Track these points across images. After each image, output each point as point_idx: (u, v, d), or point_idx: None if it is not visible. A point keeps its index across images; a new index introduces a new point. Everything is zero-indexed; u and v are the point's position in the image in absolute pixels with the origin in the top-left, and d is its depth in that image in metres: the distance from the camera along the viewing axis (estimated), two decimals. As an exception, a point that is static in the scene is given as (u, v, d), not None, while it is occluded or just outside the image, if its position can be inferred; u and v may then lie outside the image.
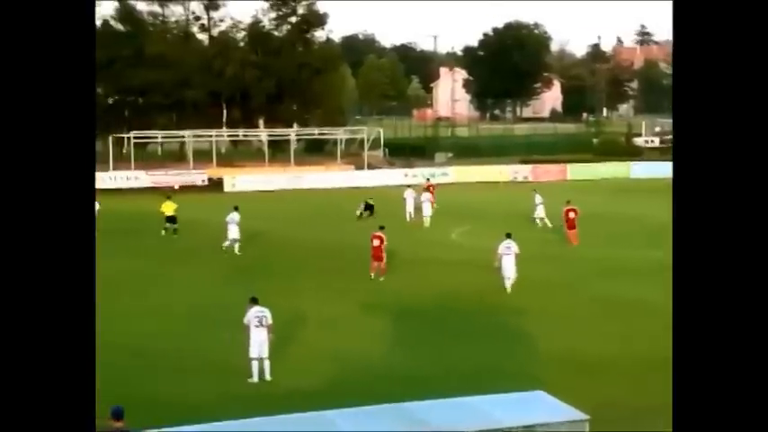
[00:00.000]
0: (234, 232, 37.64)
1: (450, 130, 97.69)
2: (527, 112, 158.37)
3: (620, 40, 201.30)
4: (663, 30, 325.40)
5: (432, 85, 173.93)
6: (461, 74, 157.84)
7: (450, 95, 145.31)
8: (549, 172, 72.11)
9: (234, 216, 37.87)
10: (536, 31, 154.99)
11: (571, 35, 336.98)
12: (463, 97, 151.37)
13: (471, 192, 60.70)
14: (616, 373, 20.80)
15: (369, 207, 48.18)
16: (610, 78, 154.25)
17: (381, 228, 32.76)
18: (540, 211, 44.29)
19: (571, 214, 39.64)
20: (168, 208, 42.87)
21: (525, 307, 27.49)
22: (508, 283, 29.31)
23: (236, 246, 37.38)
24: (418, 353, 22.73)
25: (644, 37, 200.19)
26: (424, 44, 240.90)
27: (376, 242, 31.92)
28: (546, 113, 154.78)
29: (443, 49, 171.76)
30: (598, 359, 21.75)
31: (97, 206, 42.63)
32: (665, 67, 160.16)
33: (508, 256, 29.30)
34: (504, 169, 70.59)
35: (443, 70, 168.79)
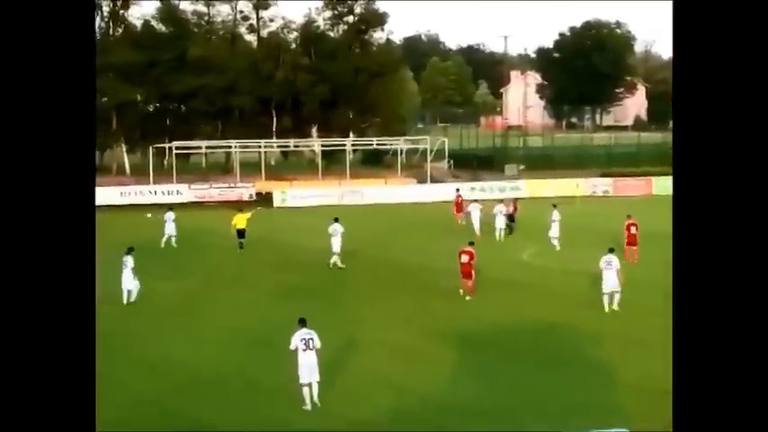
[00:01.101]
0: (336, 245, 38.43)
1: (522, 139, 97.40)
2: (608, 120, 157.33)
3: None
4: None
5: (501, 90, 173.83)
6: (534, 78, 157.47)
7: (522, 101, 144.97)
8: (632, 186, 71.57)
9: (336, 227, 38.56)
10: (618, 31, 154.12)
11: (657, 35, 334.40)
12: (536, 103, 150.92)
13: (545, 207, 60.47)
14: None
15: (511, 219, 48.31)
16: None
17: (471, 243, 33.00)
18: (554, 230, 44.06)
19: (632, 229, 39.64)
20: (241, 221, 43.68)
21: (606, 331, 27.34)
22: (606, 300, 30.02)
23: (338, 260, 38.39)
24: (494, 383, 22.74)
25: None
26: (494, 45, 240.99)
27: (465, 258, 32.23)
28: (629, 121, 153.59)
29: (515, 50, 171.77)
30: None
31: (172, 216, 43.89)
32: None
33: (609, 271, 30.10)
34: (581, 182, 70.20)
35: (514, 74, 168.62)
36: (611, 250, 31.06)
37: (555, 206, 45.91)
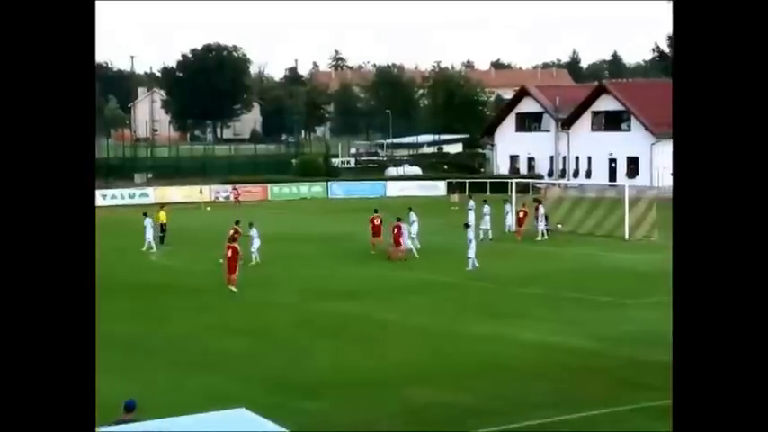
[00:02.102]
0: None
1: (150, 150, 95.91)
2: (228, 134, 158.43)
3: (316, 65, 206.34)
4: (355, 55, 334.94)
5: (130, 105, 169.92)
6: (160, 94, 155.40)
7: (150, 115, 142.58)
8: (250, 192, 72.65)
9: None
10: (235, 54, 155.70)
11: (269, 58, 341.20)
12: (163, 118, 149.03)
13: (175, 213, 59.94)
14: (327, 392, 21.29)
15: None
16: (307, 101, 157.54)
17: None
18: (414, 230, 42.09)
19: (376, 221, 41.72)
20: (163, 217, 44.99)
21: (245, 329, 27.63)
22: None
23: None
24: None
25: (338, 62, 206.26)
26: (121, 63, 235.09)
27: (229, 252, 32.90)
28: (247, 134, 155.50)
29: (141, 69, 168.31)
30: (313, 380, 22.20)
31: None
32: (359, 91, 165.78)
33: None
34: (206, 189, 70.30)
35: (142, 90, 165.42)
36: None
37: (410, 209, 44.00)
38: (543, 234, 46.17)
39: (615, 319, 27.48)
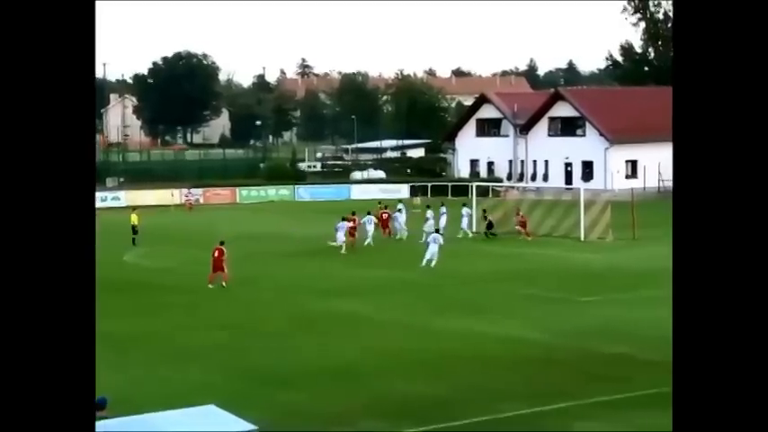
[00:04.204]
0: None
1: (121, 155, 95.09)
2: (198, 139, 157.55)
3: (283, 72, 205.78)
4: (321, 63, 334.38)
5: (102, 111, 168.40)
6: (132, 100, 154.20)
7: (121, 121, 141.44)
8: (219, 195, 72.29)
9: None
10: (205, 62, 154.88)
11: (238, 66, 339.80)
12: (134, 123, 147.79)
13: (145, 216, 59.57)
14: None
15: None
16: (275, 107, 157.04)
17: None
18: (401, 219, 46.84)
19: (351, 223, 43.27)
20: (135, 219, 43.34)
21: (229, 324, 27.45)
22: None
23: None
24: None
25: (305, 69, 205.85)
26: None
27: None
28: (216, 140, 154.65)
29: (113, 76, 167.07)
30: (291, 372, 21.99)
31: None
32: (325, 98, 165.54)
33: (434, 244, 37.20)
34: (176, 193, 69.80)
35: (113, 96, 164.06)
36: (437, 231, 38.99)
37: (400, 201, 49.42)
38: (486, 234, 46.43)
39: (572, 315, 27.67)
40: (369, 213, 45.36)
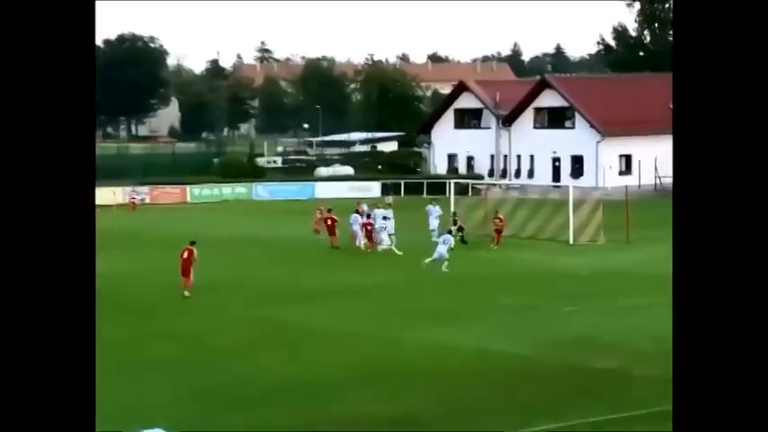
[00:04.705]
0: None
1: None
2: (143, 131, 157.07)
3: (239, 57, 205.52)
4: (282, 47, 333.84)
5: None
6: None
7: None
8: (168, 194, 72.17)
9: None
10: (151, 45, 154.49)
11: (189, 50, 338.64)
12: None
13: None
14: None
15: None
16: (230, 96, 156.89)
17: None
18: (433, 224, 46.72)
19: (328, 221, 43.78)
20: None
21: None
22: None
23: None
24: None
25: (264, 54, 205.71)
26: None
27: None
28: (164, 132, 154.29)
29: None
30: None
31: None
32: (286, 86, 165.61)
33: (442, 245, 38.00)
34: (119, 191, 69.58)
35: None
36: (449, 232, 39.85)
37: (390, 204, 48.71)
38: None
39: (557, 325, 27.97)
40: (356, 212, 45.73)
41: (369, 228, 44.23)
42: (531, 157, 79.24)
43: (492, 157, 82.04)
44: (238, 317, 29.98)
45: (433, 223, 47.13)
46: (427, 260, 37.66)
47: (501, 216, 46.17)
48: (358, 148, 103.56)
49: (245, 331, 27.84)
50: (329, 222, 45.08)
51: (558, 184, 69.42)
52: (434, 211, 47.95)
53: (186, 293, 32.49)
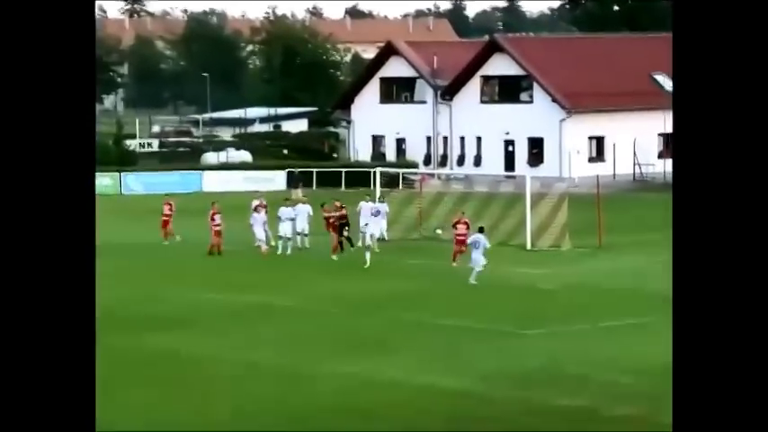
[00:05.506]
0: None
1: None
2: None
3: (102, 10, 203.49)
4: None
5: None
6: None
7: None
8: (10, 187, 71.27)
9: None
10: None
11: None
12: None
13: None
14: None
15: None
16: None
17: None
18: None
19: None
20: None
21: None
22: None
23: None
24: None
25: (134, 6, 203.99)
26: None
27: None
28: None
29: None
30: None
31: None
32: (163, 47, 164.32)
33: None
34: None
35: None
36: (481, 230, 39.32)
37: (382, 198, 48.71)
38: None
39: (512, 355, 28.15)
40: (322, 206, 46.84)
41: None
42: (478, 139, 79.69)
43: (428, 139, 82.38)
44: (105, 344, 29.68)
45: (380, 225, 47.11)
46: (472, 279, 38.03)
47: (466, 220, 43.56)
48: (257, 128, 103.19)
49: (108, 362, 27.64)
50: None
51: (511, 173, 70.01)
52: (372, 208, 47.58)
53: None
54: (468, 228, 42.42)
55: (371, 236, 44.11)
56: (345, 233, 44.67)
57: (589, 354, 28.21)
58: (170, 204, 50.21)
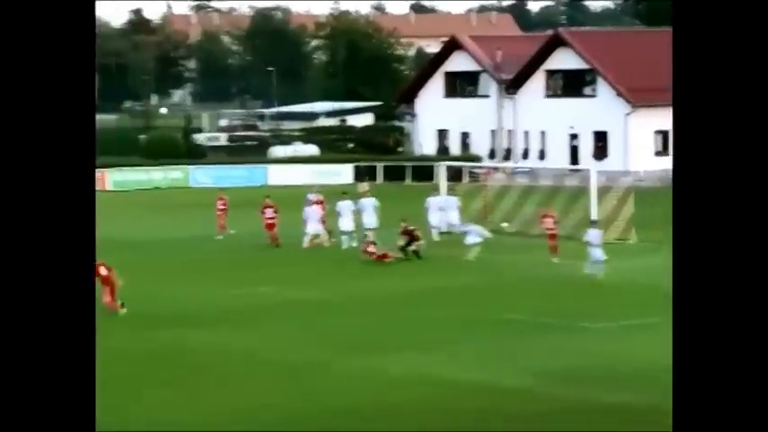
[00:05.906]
0: None
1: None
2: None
3: (169, 7, 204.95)
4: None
5: None
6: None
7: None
8: (82, 180, 72.00)
9: None
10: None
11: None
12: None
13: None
14: None
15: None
16: (159, 55, 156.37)
17: None
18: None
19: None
20: None
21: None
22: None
23: None
24: None
25: (201, 2, 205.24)
26: None
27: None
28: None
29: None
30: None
31: None
32: (230, 42, 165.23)
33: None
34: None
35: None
36: (593, 223, 39.98)
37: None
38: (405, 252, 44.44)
39: (569, 350, 27.60)
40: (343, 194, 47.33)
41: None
42: (542, 133, 79.50)
43: (492, 133, 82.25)
44: (138, 342, 29.83)
45: (451, 217, 47.38)
46: (591, 269, 38.12)
47: (553, 214, 43.91)
48: (323, 122, 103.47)
49: (152, 359, 27.76)
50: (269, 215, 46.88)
51: (576, 167, 69.77)
52: (443, 203, 47.82)
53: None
54: (555, 222, 43.34)
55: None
56: (414, 247, 43.60)
57: (651, 350, 26.82)
58: (223, 200, 50.62)
